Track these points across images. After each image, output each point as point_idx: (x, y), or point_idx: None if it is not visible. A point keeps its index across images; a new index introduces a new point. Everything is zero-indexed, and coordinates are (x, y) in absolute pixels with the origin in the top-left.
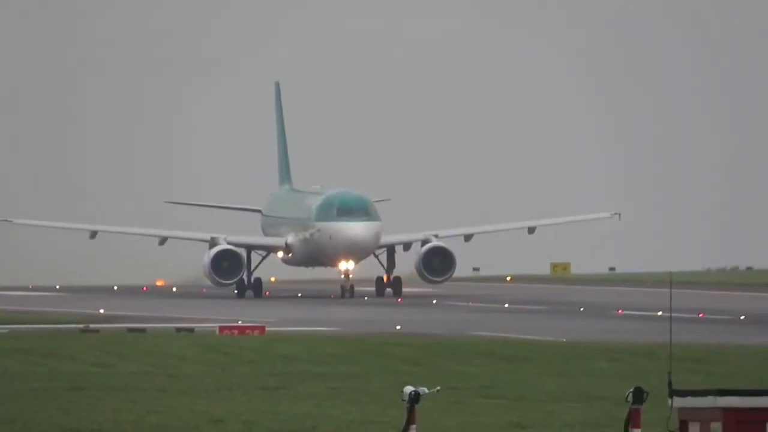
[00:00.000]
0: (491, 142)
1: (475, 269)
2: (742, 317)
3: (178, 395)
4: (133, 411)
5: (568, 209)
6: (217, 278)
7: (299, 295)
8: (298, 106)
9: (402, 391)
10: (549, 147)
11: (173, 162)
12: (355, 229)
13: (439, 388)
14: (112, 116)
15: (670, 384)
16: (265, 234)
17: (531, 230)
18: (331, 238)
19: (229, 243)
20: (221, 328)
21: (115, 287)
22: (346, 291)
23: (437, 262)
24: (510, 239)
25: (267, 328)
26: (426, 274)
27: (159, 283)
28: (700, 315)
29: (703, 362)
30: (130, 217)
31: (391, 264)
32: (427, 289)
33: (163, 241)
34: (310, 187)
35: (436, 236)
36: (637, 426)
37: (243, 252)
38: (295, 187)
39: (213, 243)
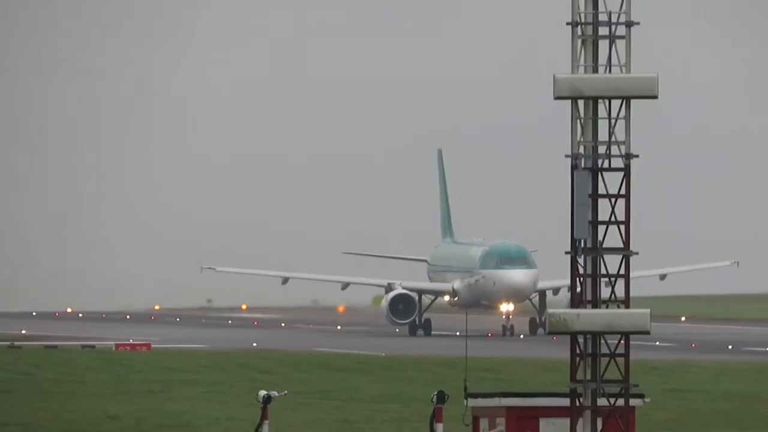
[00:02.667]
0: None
1: (314, 300)
2: (522, 336)
3: (84, 397)
4: (49, 410)
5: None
6: (395, 318)
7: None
8: (455, 168)
9: (257, 394)
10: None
11: (347, 217)
12: (517, 276)
13: (286, 391)
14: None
15: (465, 388)
16: (431, 281)
17: (662, 277)
18: (495, 284)
19: (404, 288)
20: (117, 345)
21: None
22: (507, 330)
23: None
24: None
25: (153, 345)
26: None
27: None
28: (489, 335)
29: (492, 371)
30: (313, 265)
31: (542, 306)
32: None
33: (345, 286)
34: (472, 239)
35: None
36: (440, 421)
37: (415, 296)
38: (457, 240)
39: (389, 288)
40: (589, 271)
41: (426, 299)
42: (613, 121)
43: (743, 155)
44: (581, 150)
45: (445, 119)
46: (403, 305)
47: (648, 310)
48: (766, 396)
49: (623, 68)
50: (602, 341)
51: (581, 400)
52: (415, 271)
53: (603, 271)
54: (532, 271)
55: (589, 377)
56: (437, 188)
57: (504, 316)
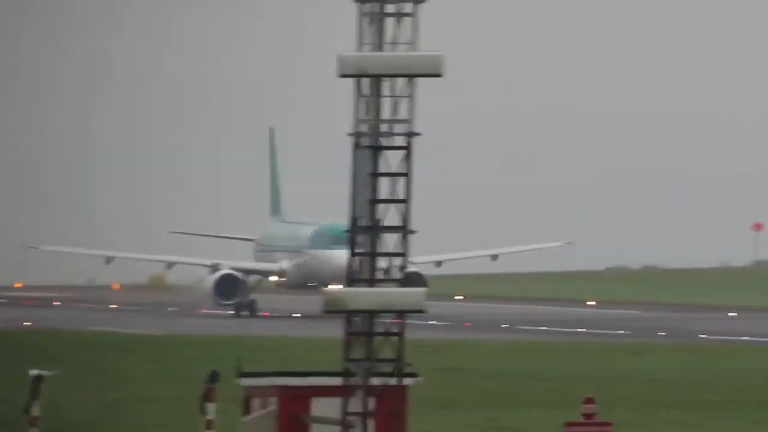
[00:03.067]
0: None
1: (90, 279)
2: (298, 315)
3: None
4: None
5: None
6: (220, 299)
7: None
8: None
9: (29, 373)
10: None
11: (173, 194)
12: (342, 256)
13: (58, 371)
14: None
15: (238, 367)
16: (258, 260)
17: (494, 257)
18: (323, 264)
19: (231, 268)
20: None
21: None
22: None
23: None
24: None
25: None
26: None
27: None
28: (264, 314)
29: (269, 349)
30: (139, 245)
31: None
32: None
33: (170, 265)
34: (302, 218)
35: (412, 262)
36: (211, 401)
37: (242, 276)
38: (286, 219)
39: (215, 268)
40: (367, 249)
41: (253, 280)
42: (396, 100)
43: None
44: (363, 128)
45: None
46: (228, 285)
47: (424, 289)
48: (537, 374)
49: (409, 46)
50: (379, 320)
51: (354, 379)
52: (244, 251)
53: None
54: None
55: (363, 356)
56: (268, 167)
57: None
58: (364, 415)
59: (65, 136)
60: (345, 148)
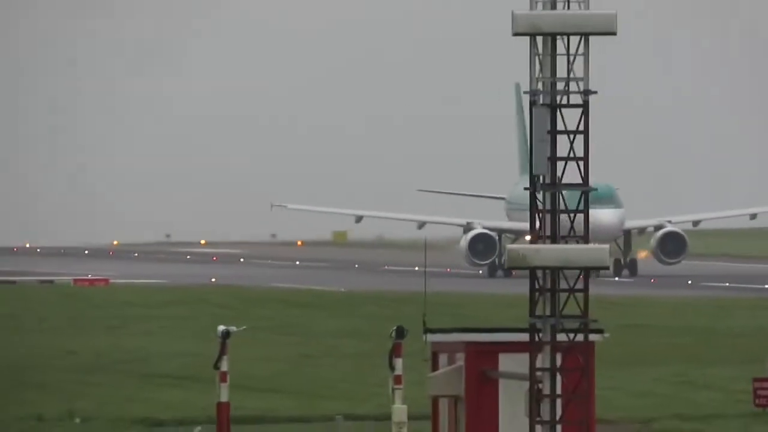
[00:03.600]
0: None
1: (273, 235)
2: (480, 272)
3: (41, 333)
4: (6, 346)
5: None
6: (474, 259)
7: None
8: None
9: (216, 329)
10: None
11: (421, 149)
12: (604, 215)
13: (245, 327)
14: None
15: (424, 323)
16: (510, 219)
17: (753, 216)
18: (581, 223)
19: (484, 227)
20: (75, 280)
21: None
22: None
23: (671, 245)
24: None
25: (111, 281)
26: (662, 256)
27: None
28: (447, 270)
29: (452, 306)
30: (387, 203)
31: (627, 247)
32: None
33: (421, 225)
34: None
35: (670, 222)
36: (399, 356)
37: (495, 236)
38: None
39: (468, 228)
40: (548, 206)
41: (506, 240)
42: (571, 58)
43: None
44: (540, 86)
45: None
46: (482, 245)
47: (607, 246)
48: (723, 330)
49: (581, 4)
50: (561, 276)
51: (540, 335)
52: (493, 210)
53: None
54: (619, 211)
55: (548, 313)
56: (515, 123)
57: None
58: (552, 370)
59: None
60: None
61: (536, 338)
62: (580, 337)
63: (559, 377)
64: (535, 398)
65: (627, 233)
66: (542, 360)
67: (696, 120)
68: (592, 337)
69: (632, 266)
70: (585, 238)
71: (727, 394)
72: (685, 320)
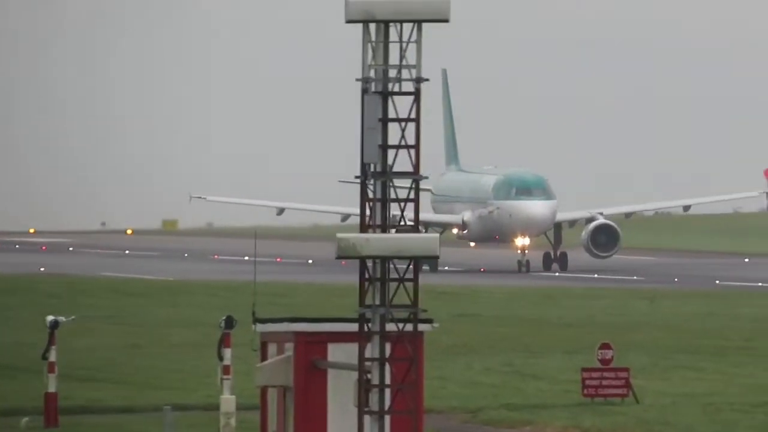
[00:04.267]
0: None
1: (103, 223)
2: (310, 261)
3: None
4: None
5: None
6: None
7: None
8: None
9: (45, 319)
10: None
11: (341, 142)
12: (536, 207)
13: (74, 317)
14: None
15: (253, 313)
16: (436, 212)
17: (686, 208)
18: (511, 216)
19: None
20: None
21: None
22: (523, 265)
23: (604, 238)
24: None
25: None
26: (593, 249)
27: None
28: (278, 259)
29: (280, 296)
30: (307, 195)
31: (557, 240)
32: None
33: (345, 217)
34: (482, 168)
35: (602, 214)
36: (228, 346)
37: (422, 230)
38: (464, 168)
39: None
40: (379, 195)
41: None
42: (404, 45)
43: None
44: (372, 74)
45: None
46: None
47: (437, 235)
48: (553, 320)
49: None
50: (391, 266)
51: (370, 325)
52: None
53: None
54: (551, 203)
55: (378, 302)
56: (440, 112)
57: (519, 251)
58: (381, 360)
59: None
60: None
61: (365, 328)
62: (409, 327)
63: (388, 367)
64: (363, 388)
65: (557, 226)
66: (371, 350)
67: (635, 112)
68: (422, 326)
69: (563, 260)
70: (415, 228)
71: (555, 384)
72: (516, 310)
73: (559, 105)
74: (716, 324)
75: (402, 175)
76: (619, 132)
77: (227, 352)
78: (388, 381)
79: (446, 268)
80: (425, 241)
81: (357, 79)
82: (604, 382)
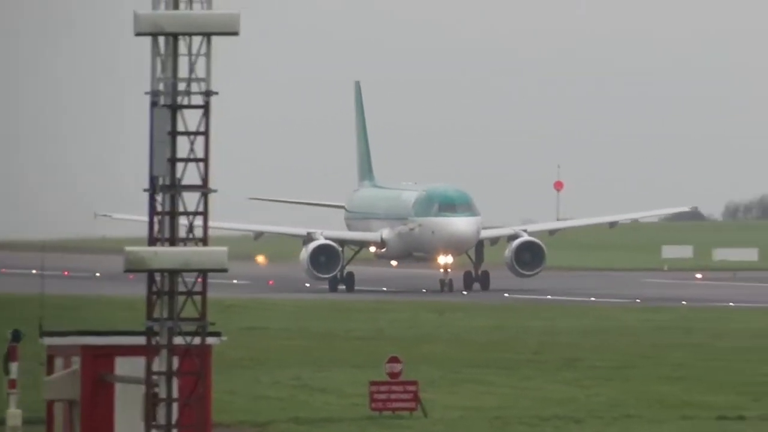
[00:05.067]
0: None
1: None
2: (97, 274)
3: None
4: None
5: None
6: (316, 273)
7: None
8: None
9: None
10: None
11: (254, 159)
12: (460, 224)
13: None
14: None
15: (40, 326)
16: (350, 229)
17: (612, 224)
18: (434, 233)
19: (326, 238)
20: None
21: None
22: (445, 285)
23: (528, 256)
24: None
25: None
26: (517, 267)
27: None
28: (64, 273)
29: (68, 309)
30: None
31: (479, 258)
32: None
33: (258, 235)
34: (401, 184)
35: (525, 231)
36: (14, 360)
37: (338, 247)
38: (380, 183)
39: (309, 238)
40: (167, 208)
41: (349, 251)
42: (193, 58)
43: None
44: (161, 87)
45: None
46: (325, 257)
47: (226, 248)
48: (342, 333)
49: (204, 4)
50: (180, 279)
51: (158, 338)
52: (326, 219)
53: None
54: (475, 219)
55: (166, 316)
56: (351, 125)
57: (442, 270)
58: (168, 374)
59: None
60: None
61: (153, 342)
62: (197, 340)
63: (175, 381)
64: (151, 402)
65: (479, 243)
66: (159, 363)
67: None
68: (210, 340)
69: (484, 279)
70: (204, 241)
71: (343, 398)
72: (305, 323)
73: (476, 117)
74: (505, 337)
75: (191, 188)
76: (538, 142)
77: (13, 366)
78: (175, 395)
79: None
80: (214, 254)
81: (146, 93)
82: (393, 396)
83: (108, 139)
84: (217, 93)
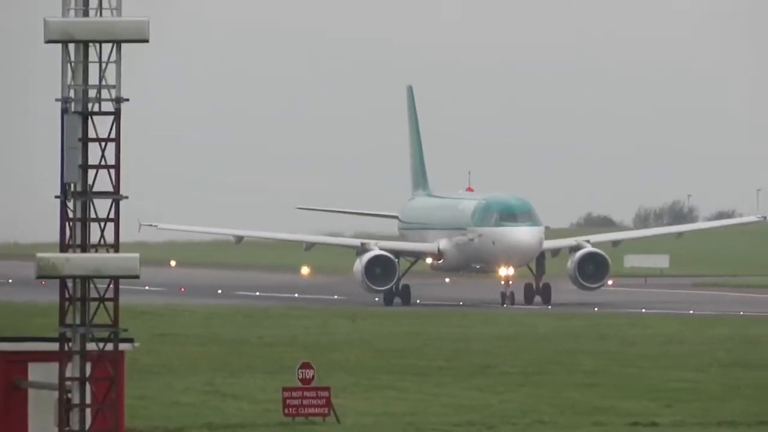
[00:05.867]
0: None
1: None
2: (10, 280)
3: None
4: None
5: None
6: (371, 285)
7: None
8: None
9: None
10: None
11: (302, 167)
12: (523, 234)
13: None
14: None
15: None
16: (404, 239)
17: (679, 235)
18: (494, 243)
19: (381, 248)
20: None
21: None
22: (507, 298)
23: (591, 268)
24: None
25: None
26: (580, 280)
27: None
28: None
29: None
30: (269, 223)
31: (540, 270)
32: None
33: (310, 246)
34: (458, 192)
35: (588, 242)
36: None
37: (394, 258)
38: (435, 192)
39: (363, 249)
40: (79, 214)
41: (404, 262)
42: (103, 65)
43: None
44: (71, 94)
45: None
46: (380, 269)
47: (137, 255)
48: (254, 340)
49: (114, 12)
50: (92, 285)
51: (70, 344)
52: (378, 229)
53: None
54: (538, 229)
55: (78, 322)
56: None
57: (503, 282)
58: (81, 380)
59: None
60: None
61: (66, 348)
62: (110, 346)
63: (88, 387)
64: (64, 408)
65: (540, 255)
66: (72, 369)
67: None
68: (122, 346)
69: (546, 292)
70: (116, 247)
71: (256, 404)
72: (217, 329)
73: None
74: (418, 344)
75: (102, 195)
76: (603, 156)
77: None
78: (88, 400)
79: (146, 287)
80: (125, 260)
81: (56, 99)
82: (306, 402)
83: (19, 146)
84: (127, 99)
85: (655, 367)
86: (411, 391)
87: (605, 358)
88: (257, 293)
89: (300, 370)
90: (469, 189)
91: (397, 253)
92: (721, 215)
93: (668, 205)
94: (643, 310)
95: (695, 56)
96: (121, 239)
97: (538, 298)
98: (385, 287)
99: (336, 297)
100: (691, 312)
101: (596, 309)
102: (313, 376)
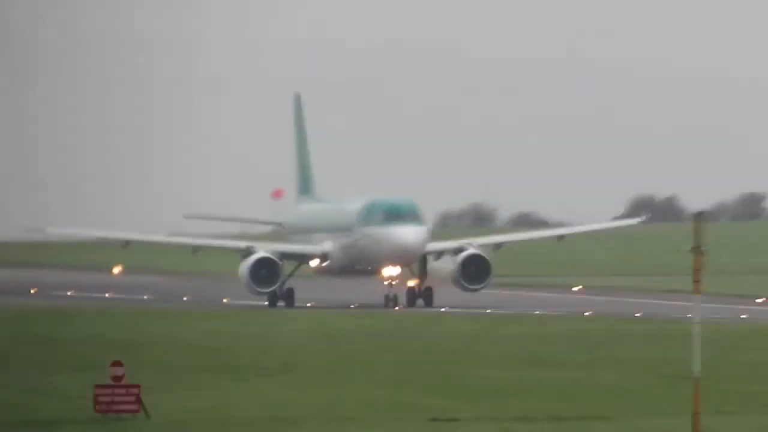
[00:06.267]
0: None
1: None
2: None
3: None
4: None
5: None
6: (257, 287)
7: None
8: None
9: None
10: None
11: (189, 174)
12: (408, 234)
13: None
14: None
15: None
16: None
17: (560, 238)
18: (380, 244)
19: (266, 252)
20: None
21: None
22: (390, 300)
23: (474, 269)
24: None
25: None
26: (463, 282)
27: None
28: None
29: None
30: (157, 227)
31: (423, 273)
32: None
33: (196, 250)
34: (341, 196)
35: (471, 244)
36: None
37: (278, 260)
38: (320, 197)
39: (248, 252)
40: None
41: (289, 266)
42: None
43: None
44: None
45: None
46: (265, 271)
47: None
48: (65, 337)
49: None
50: None
51: None
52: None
53: None
54: (423, 229)
55: None
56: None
57: (387, 283)
58: None
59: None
60: None
61: None
62: None
63: None
64: None
65: (423, 257)
66: None
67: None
68: None
69: (428, 295)
70: None
71: (67, 401)
72: (29, 328)
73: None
74: (224, 343)
75: None
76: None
77: None
78: None
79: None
80: None
81: None
82: (116, 399)
83: None
84: None
85: (454, 363)
86: (219, 387)
87: (405, 356)
88: (68, 292)
89: (111, 368)
90: (278, 192)
91: (282, 256)
92: (521, 216)
93: (470, 207)
94: (443, 309)
95: None
96: None
97: (420, 302)
98: (269, 289)
99: (145, 297)
100: (488, 311)
101: (396, 309)
102: (123, 374)
